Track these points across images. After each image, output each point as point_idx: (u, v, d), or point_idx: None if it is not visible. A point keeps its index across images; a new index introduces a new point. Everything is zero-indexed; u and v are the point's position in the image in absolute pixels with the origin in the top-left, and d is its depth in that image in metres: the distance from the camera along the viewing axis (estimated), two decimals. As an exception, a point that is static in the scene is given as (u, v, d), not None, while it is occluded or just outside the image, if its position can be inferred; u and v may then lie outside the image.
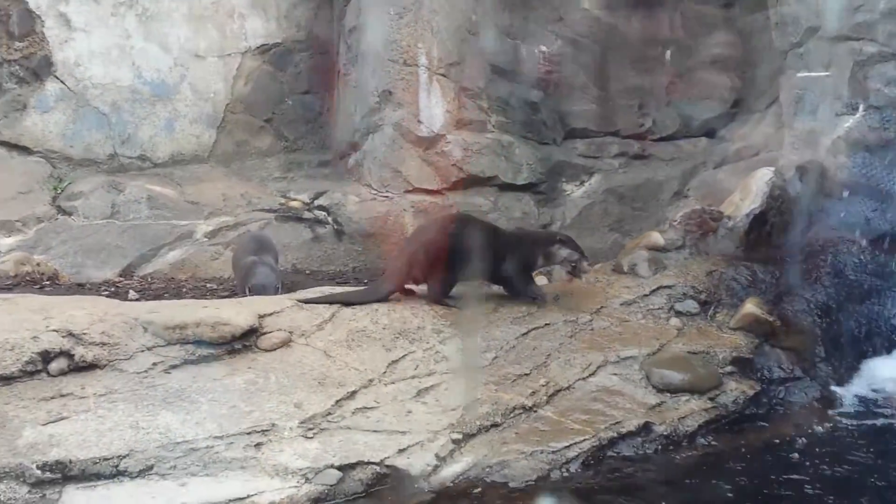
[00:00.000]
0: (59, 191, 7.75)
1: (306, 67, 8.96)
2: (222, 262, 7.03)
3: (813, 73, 6.50)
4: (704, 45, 8.51)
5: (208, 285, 6.62)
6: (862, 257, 5.50)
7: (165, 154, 8.43)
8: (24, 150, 8.01)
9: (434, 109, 7.94)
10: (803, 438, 4.30)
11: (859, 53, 6.06)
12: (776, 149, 7.17)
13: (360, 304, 4.80)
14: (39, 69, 8.12)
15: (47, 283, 6.58)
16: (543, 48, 8.23)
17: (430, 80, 7.95)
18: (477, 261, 4.95)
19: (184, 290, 6.52)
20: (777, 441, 4.27)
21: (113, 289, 6.48)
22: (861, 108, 6.04)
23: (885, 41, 5.99)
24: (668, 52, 8.48)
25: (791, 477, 3.90)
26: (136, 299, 6.07)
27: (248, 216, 7.63)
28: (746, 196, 5.76)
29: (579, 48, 8.30)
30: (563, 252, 5.17)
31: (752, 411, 4.52)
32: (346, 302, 4.82)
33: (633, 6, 8.33)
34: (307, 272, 7.23)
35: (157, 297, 6.26)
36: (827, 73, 6.42)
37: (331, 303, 4.78)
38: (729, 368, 4.72)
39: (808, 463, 4.03)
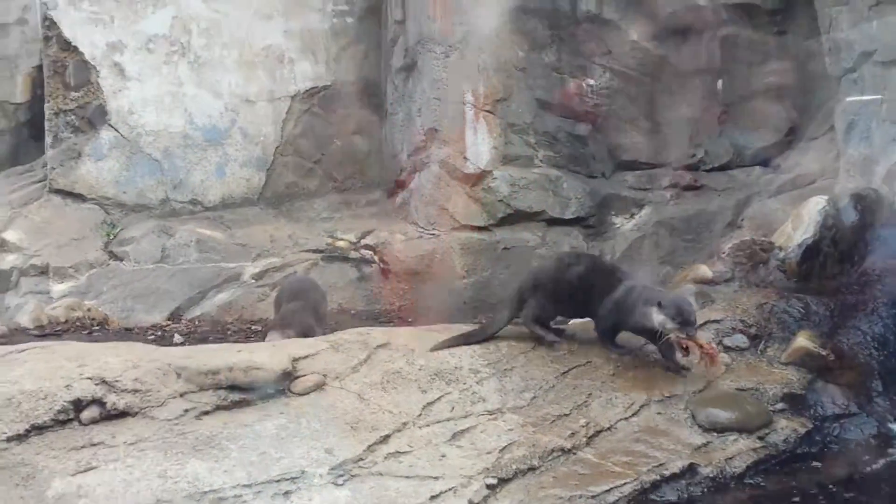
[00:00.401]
0: (111, 237, 7.88)
1: (355, 108, 9.00)
2: (268, 303, 7.03)
3: (867, 98, 6.30)
4: (757, 73, 8.34)
5: (253, 327, 6.64)
6: (921, 287, 5.24)
7: (216, 198, 8.53)
8: (79, 197, 8.17)
9: (480, 146, 7.91)
10: (859, 478, 4.08)
11: (914, 77, 5.86)
12: (832, 177, 6.96)
13: (480, 341, 4.79)
14: (94, 118, 8.30)
15: (97, 328, 6.66)
16: (591, 81, 8.16)
17: (476, 116, 7.93)
18: (577, 300, 4.80)
19: (229, 332, 6.55)
20: (830, 482, 4.06)
21: (160, 333, 6.54)
22: (918, 133, 5.83)
23: (941, 63, 5.79)
24: (720, 82, 8.34)
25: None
26: (182, 343, 6.11)
27: (294, 257, 7.65)
28: (798, 226, 5.57)
29: (628, 80, 8.21)
30: (658, 317, 4.43)
31: (804, 450, 4.31)
32: (468, 341, 4.78)
33: (682, 36, 8.21)
34: (352, 312, 7.21)
35: (203, 339, 6.29)
36: (881, 98, 6.22)
37: (457, 345, 4.74)
38: (780, 405, 4.52)
39: (863, 505, 3.83)
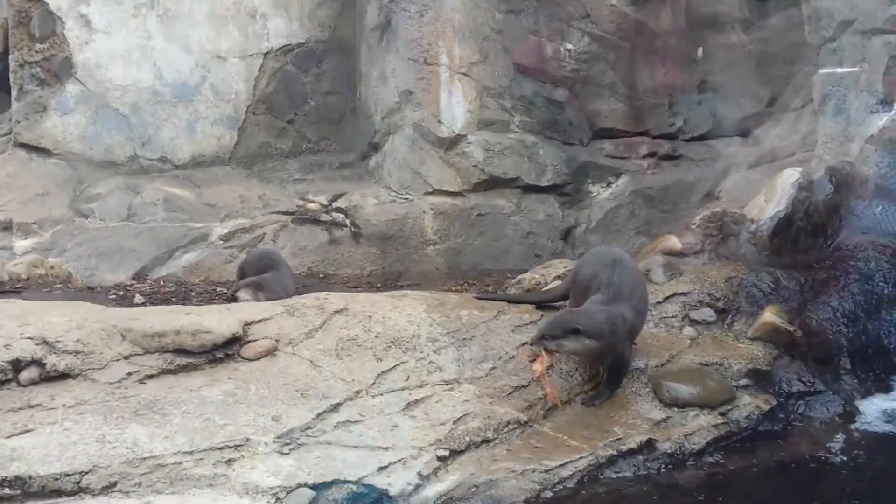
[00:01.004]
0: (77, 193, 7.70)
1: (329, 68, 8.81)
2: (236, 265, 6.89)
3: (845, 69, 6.16)
4: (738, 41, 8.19)
5: (219, 289, 6.49)
6: (894, 263, 5.13)
7: (186, 156, 8.34)
8: (45, 151, 7.97)
9: (455, 109, 7.75)
10: (821, 457, 4.01)
11: (895, 48, 5.70)
12: (812, 149, 6.84)
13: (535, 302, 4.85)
14: (60, 71, 8.08)
15: (59, 286, 6.50)
16: (569, 45, 7.99)
17: (451, 79, 7.76)
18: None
19: (193, 293, 6.40)
20: (792, 460, 3.98)
21: (122, 292, 6.38)
22: (896, 104, 5.70)
23: (923, 34, 5.64)
24: (700, 49, 8.19)
25: (803, 500, 3.62)
26: (143, 303, 5.97)
27: (264, 218, 7.50)
28: (771, 198, 5.46)
29: (607, 45, 8.04)
30: None
31: (766, 427, 4.23)
32: (520, 301, 4.88)
33: (662, 1, 8.04)
34: (321, 276, 7.08)
35: (165, 300, 6.15)
36: (860, 69, 6.08)
37: (507, 300, 4.85)
38: (744, 381, 4.43)
39: (824, 483, 3.75)
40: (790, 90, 7.86)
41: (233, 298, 5.55)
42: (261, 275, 5.86)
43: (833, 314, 4.88)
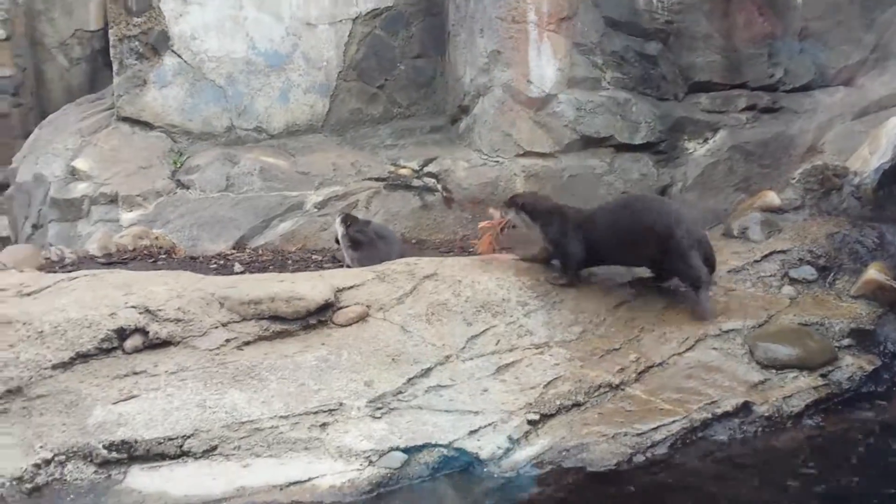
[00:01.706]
0: (178, 165, 7.91)
1: (418, 31, 8.76)
2: (331, 232, 6.99)
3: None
4: (841, -16, 7.81)
5: (314, 256, 6.61)
6: None
7: (280, 125, 8.46)
8: (146, 125, 8.19)
9: (545, 68, 7.62)
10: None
11: None
12: (923, 96, 6.51)
13: None
14: (157, 44, 8.27)
15: (163, 256, 6.73)
16: (662, -4, 7.75)
17: (540, 36, 7.63)
18: None
19: (289, 261, 6.53)
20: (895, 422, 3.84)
21: (222, 261, 6.56)
22: None
23: None
24: (800, -5, 7.83)
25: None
26: (241, 272, 6.12)
27: (357, 185, 7.56)
28: (876, 149, 5.23)
29: (702, -5, 7.77)
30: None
31: (869, 389, 4.09)
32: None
33: (759, -55, 7.72)
34: (414, 241, 7.12)
35: (263, 269, 6.29)
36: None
37: None
38: (846, 341, 4.29)
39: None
40: (895, 35, 7.46)
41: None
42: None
43: (942, 270, 4.66)
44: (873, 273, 4.53)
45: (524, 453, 3.59)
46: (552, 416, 3.78)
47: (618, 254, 4.49)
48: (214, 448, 3.47)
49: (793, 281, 4.68)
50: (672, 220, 4.39)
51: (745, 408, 3.87)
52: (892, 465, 3.46)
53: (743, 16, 7.80)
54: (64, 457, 3.37)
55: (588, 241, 4.48)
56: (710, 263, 4.44)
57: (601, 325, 4.33)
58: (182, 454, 3.45)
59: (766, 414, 3.87)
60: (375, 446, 3.51)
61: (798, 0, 7.70)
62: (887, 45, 7.48)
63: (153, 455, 3.43)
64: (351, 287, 4.37)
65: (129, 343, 3.88)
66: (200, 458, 3.44)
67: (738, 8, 7.79)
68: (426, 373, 3.93)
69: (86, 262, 6.32)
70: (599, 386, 3.94)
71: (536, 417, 3.74)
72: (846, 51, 7.66)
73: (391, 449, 3.52)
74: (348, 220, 6.02)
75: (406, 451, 3.52)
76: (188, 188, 7.69)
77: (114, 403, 3.61)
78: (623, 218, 4.50)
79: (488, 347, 4.13)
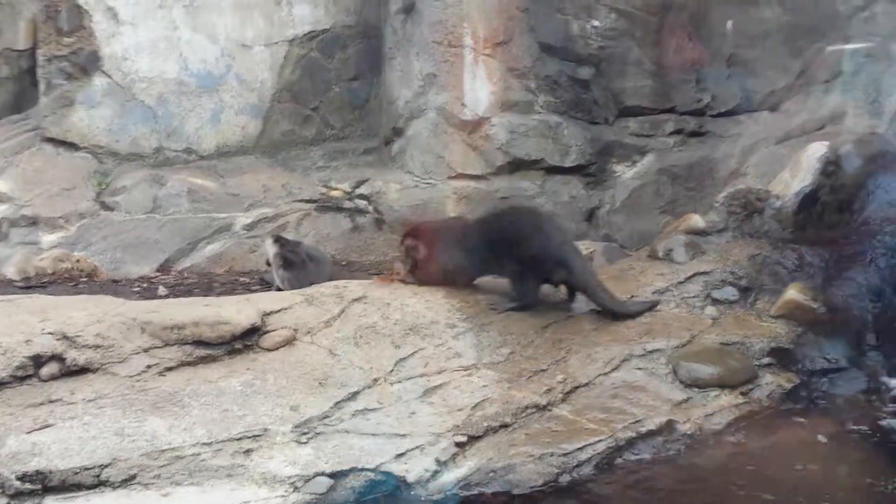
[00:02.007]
0: (103, 186, 7.77)
1: (354, 53, 8.78)
2: (260, 254, 6.92)
3: (877, 40, 6.02)
4: (767, 13, 8.03)
5: (241, 279, 6.55)
6: (923, 237, 5.02)
7: (211, 146, 8.38)
8: (71, 145, 8.04)
9: (479, 92, 7.69)
10: (844, 435, 3.93)
11: (925, 16, 5.56)
12: (843, 122, 6.72)
13: None
14: (87, 64, 8.14)
15: (85, 280, 6.59)
16: (595, 23, 7.88)
17: (475, 60, 7.70)
18: None
19: (216, 284, 6.45)
20: (814, 439, 3.91)
21: (146, 284, 6.45)
22: (928, 74, 5.55)
23: (955, 1, 5.49)
24: (729, 23, 8.03)
25: (827, 478, 3.56)
26: (166, 295, 6.03)
27: (288, 207, 7.52)
28: (797, 173, 5.36)
29: (634, 21, 7.92)
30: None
31: (788, 406, 4.16)
32: None
33: (691, -27, 7.91)
34: (344, 263, 7.09)
35: (188, 292, 6.21)
36: (892, 39, 5.94)
37: None
38: (766, 360, 4.38)
39: (847, 462, 3.69)
40: (820, 63, 7.70)
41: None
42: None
43: (858, 290, 4.78)
44: (793, 293, 4.64)
45: (452, 475, 3.57)
46: (480, 437, 3.77)
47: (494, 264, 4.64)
48: (133, 477, 3.38)
49: (715, 301, 4.76)
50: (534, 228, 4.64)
51: (669, 426, 3.92)
52: (811, 481, 3.53)
53: (673, 42, 7.97)
54: (-26, 488, 3.26)
55: (469, 252, 4.66)
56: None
57: (529, 347, 4.35)
58: (99, 484, 3.35)
59: (689, 432, 3.92)
60: (301, 472, 3.47)
61: (727, 27, 7.90)
62: (812, 72, 7.71)
63: (69, 485, 3.33)
64: (278, 311, 4.32)
65: (45, 370, 3.78)
66: (119, 487, 3.35)
67: (668, 35, 7.97)
68: (353, 396, 3.89)
69: (2, 286, 6.17)
70: (527, 407, 3.95)
71: (464, 439, 3.73)
72: (772, 77, 7.88)
73: (317, 474, 3.47)
74: (280, 241, 5.98)
75: (332, 475, 3.48)
76: (113, 210, 7.58)
77: (28, 433, 3.50)
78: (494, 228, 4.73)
79: (416, 370, 4.12)
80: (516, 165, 7.72)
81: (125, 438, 3.51)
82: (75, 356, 3.83)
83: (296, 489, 3.41)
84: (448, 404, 3.94)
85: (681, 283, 4.85)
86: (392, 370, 4.10)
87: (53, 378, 3.77)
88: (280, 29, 8.59)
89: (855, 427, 4.01)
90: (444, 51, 7.69)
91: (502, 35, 7.71)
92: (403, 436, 3.72)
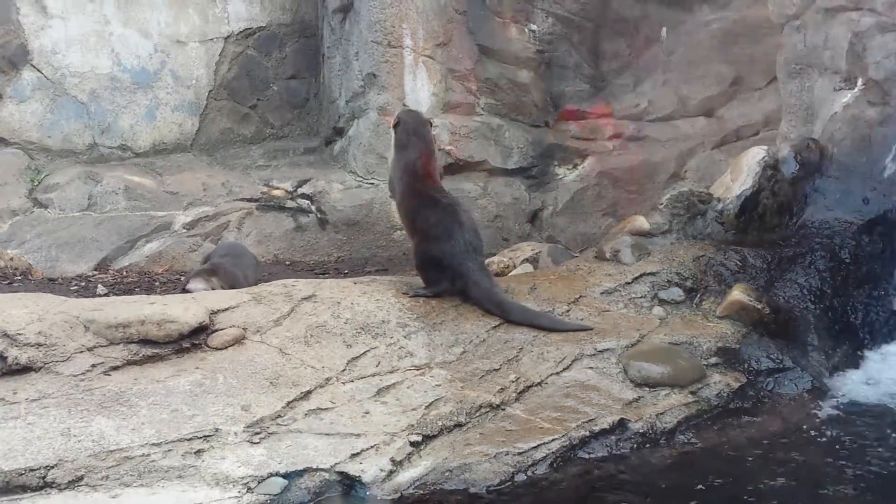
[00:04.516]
0: (35, 183, 7.55)
1: (292, 52, 8.72)
2: (200, 253, 6.80)
3: (809, 46, 6.17)
4: (701, 21, 8.21)
5: (182, 278, 6.38)
6: (859, 240, 5.16)
7: (147, 143, 8.21)
8: (1, 141, 7.80)
9: (420, 93, 7.69)
10: (791, 433, 4.01)
11: (857, 24, 5.72)
12: (776, 127, 6.87)
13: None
14: (15, 58, 7.91)
15: (19, 278, 6.38)
16: (534, 27, 7.96)
17: (415, 62, 7.70)
18: None
19: (157, 283, 6.31)
20: (762, 436, 3.98)
21: (84, 283, 6.28)
22: (860, 82, 5.71)
23: (885, 11, 5.65)
24: (664, 30, 8.19)
25: (775, 475, 3.63)
26: (105, 294, 5.87)
27: (228, 206, 7.40)
28: (737, 177, 5.47)
29: (571, 26, 8.04)
30: None
31: (736, 405, 4.23)
32: None
33: (627, -19, 8.05)
34: (288, 263, 7.00)
35: (128, 291, 6.06)
36: (823, 45, 6.10)
37: None
38: (713, 360, 4.44)
39: (794, 460, 3.76)
40: (753, 70, 7.89)
41: (185, 291, 5.36)
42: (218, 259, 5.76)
43: (800, 291, 4.90)
44: (737, 294, 4.72)
45: (407, 475, 3.54)
46: (434, 437, 3.74)
47: None
48: (80, 479, 3.27)
49: (662, 302, 4.82)
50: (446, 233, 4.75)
51: (621, 425, 3.94)
52: (761, 478, 3.59)
53: (610, 48, 8.09)
54: (-88, 492, 3.11)
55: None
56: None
57: (481, 346, 4.34)
58: (45, 485, 3.23)
59: (641, 431, 3.95)
60: (254, 472, 3.39)
61: (662, 34, 8.05)
62: (745, 79, 7.90)
63: (13, 487, 3.20)
64: (226, 309, 4.23)
65: (-14, 369, 3.63)
66: (65, 489, 3.24)
67: (605, 40, 8.09)
68: (306, 396, 3.83)
69: (-68, 284, 5.93)
70: (480, 406, 3.94)
71: (419, 439, 3.70)
72: (707, 83, 8.05)
73: (270, 475, 3.40)
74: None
75: (286, 476, 3.42)
76: (46, 207, 7.37)
77: (-32, 433, 3.36)
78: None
79: (369, 369, 4.08)
80: (459, 167, 7.74)
81: (71, 439, 3.39)
82: (16, 354, 3.69)
83: (249, 490, 3.34)
84: (402, 404, 3.90)
85: (628, 283, 4.90)
86: (344, 369, 4.05)
87: (-6, 377, 3.63)
88: (215, 25, 8.47)
89: (800, 426, 4.09)
90: (383, 51, 7.67)
91: (442, 36, 7.73)
92: (358, 435, 3.67)
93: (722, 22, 8.09)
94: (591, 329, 4.51)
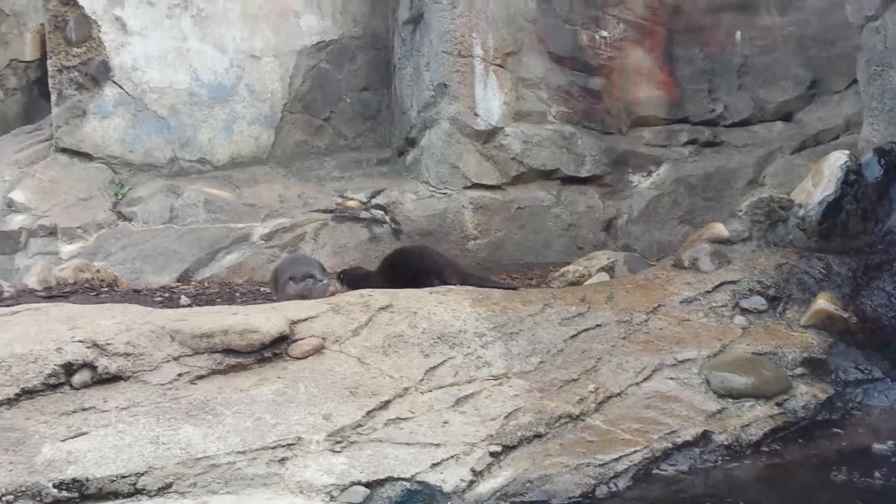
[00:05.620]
0: (119, 196, 7.75)
1: (363, 64, 8.77)
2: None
3: (890, 48, 6.00)
4: (778, 23, 8.06)
5: (262, 289, 6.51)
6: (948, 245, 5.00)
7: (225, 156, 8.35)
8: (85, 156, 8.01)
9: (491, 102, 7.69)
10: (882, 446, 3.90)
11: (942, 23, 5.55)
12: (857, 131, 6.72)
13: None
14: (98, 75, 8.11)
15: (105, 289, 6.54)
16: (605, 33, 7.90)
17: (486, 71, 7.70)
18: None
19: (237, 294, 6.43)
20: (852, 450, 3.89)
21: (167, 294, 6.42)
22: (945, 82, 5.53)
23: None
24: (738, 33, 8.06)
25: (865, 490, 3.53)
26: (189, 304, 6.00)
27: (304, 217, 7.50)
28: (819, 182, 5.34)
29: (643, 32, 7.94)
30: None
31: (824, 417, 4.14)
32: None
33: (699, -16, 7.94)
34: (363, 273, 7.05)
35: (210, 301, 6.18)
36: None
37: None
38: (799, 370, 4.34)
39: (886, 474, 3.65)
40: (832, 72, 7.72)
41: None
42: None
43: (888, 299, 4.75)
44: (823, 303, 4.61)
45: (488, 486, 3.54)
46: (514, 447, 3.74)
47: None
48: (169, 485, 3.35)
49: (744, 311, 4.74)
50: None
51: (705, 437, 3.89)
52: (850, 493, 3.50)
53: (684, 53, 7.99)
54: (12, 496, 3.22)
55: None
56: None
57: (558, 356, 4.32)
58: (136, 492, 3.32)
59: (726, 443, 3.89)
60: (336, 481, 3.44)
61: (736, 38, 7.92)
62: (823, 82, 7.73)
63: (105, 493, 3.30)
64: (305, 319, 4.29)
65: (78, 378, 3.75)
66: (155, 496, 3.32)
67: (678, 45, 7.99)
68: (385, 405, 3.86)
69: (25, 295, 6.12)
70: (560, 417, 3.92)
71: (498, 449, 3.70)
72: (784, 86, 7.90)
73: (352, 483, 3.44)
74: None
75: (368, 485, 3.45)
76: (130, 220, 7.54)
77: (63, 440, 3.47)
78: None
79: (447, 379, 4.09)
80: (532, 175, 7.71)
81: (160, 446, 3.47)
82: (106, 364, 3.80)
83: (332, 498, 3.38)
84: (481, 414, 3.90)
85: (708, 292, 4.82)
86: (422, 379, 4.07)
87: (86, 386, 3.74)
88: (289, 39, 8.57)
89: (891, 438, 3.97)
90: (454, 61, 7.68)
91: (512, 45, 7.72)
92: (437, 445, 3.68)
93: (798, 25, 7.93)
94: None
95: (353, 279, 5.79)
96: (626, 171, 7.86)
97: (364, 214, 7.57)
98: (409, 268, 5.67)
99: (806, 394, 4.20)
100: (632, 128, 7.99)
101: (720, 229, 5.24)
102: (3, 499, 3.20)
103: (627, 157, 7.87)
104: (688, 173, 7.81)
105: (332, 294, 5.31)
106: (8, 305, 5.00)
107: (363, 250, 7.38)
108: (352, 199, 7.69)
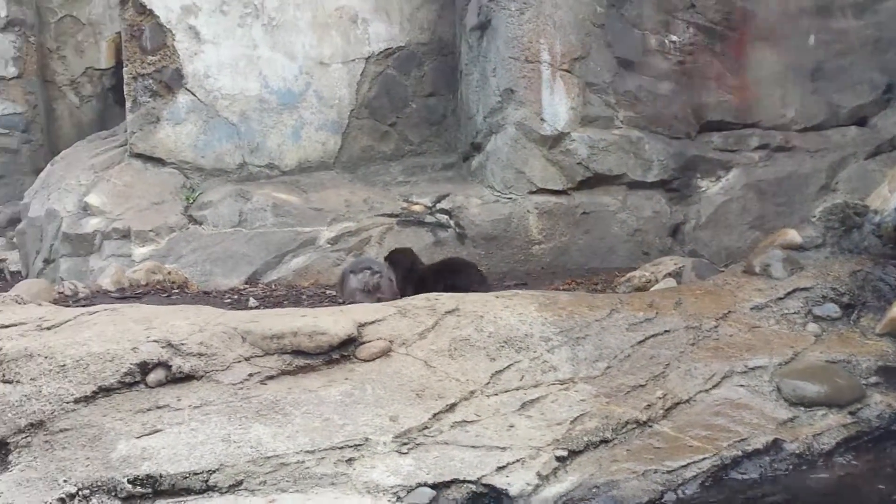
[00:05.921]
0: (190, 201, 7.92)
1: (430, 70, 8.83)
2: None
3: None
4: (853, 27, 7.89)
5: (328, 292, 6.59)
6: None
7: (293, 162, 8.48)
8: (158, 161, 8.22)
9: (558, 107, 7.67)
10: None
11: None
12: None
13: None
14: (171, 82, 8.32)
15: (176, 291, 6.70)
16: (674, 37, 7.83)
17: (553, 76, 7.69)
18: None
19: (303, 296, 6.51)
20: (929, 462, 3.78)
21: (236, 296, 6.54)
22: None
23: None
24: (812, 36, 7.91)
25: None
26: (257, 306, 6.10)
27: (370, 221, 7.57)
28: (895, 188, 5.21)
29: (713, 35, 7.85)
30: None
31: (899, 427, 4.03)
32: None
33: (771, -14, 7.81)
34: (428, 277, 7.09)
35: (278, 304, 6.27)
36: None
37: None
38: (873, 379, 4.24)
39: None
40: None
41: None
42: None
43: (967, 309, 4.62)
44: (899, 310, 4.50)
45: (553, 490, 3.52)
46: (580, 452, 3.72)
47: None
48: (240, 483, 3.41)
49: (817, 318, 4.64)
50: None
51: (776, 445, 3.82)
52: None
53: (755, 57, 7.87)
54: (88, 491, 3.32)
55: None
56: None
57: (625, 361, 4.29)
58: (207, 489, 3.39)
59: (797, 452, 3.81)
60: (403, 482, 3.46)
61: (810, 41, 7.78)
62: (900, 86, 7.55)
63: (178, 490, 3.37)
64: (373, 322, 4.33)
65: (152, 377, 3.84)
66: (226, 492, 3.39)
67: (749, 49, 7.87)
68: (451, 408, 3.88)
69: (99, 296, 6.30)
70: (626, 422, 3.89)
71: (564, 454, 3.68)
72: (858, 91, 7.73)
73: (419, 485, 3.46)
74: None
75: (434, 486, 3.46)
76: (201, 224, 7.71)
77: (137, 437, 3.56)
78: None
79: (513, 383, 4.09)
80: (597, 180, 7.67)
81: (231, 444, 3.54)
82: (180, 363, 3.88)
83: (399, 499, 3.40)
84: (546, 418, 3.89)
85: (780, 298, 4.74)
86: (488, 382, 4.08)
87: (160, 385, 3.83)
88: (356, 47, 8.68)
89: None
90: (521, 66, 7.69)
91: (580, 50, 7.69)
92: (503, 448, 3.68)
93: (874, 28, 7.75)
94: None
95: (396, 262, 6.08)
96: (695, 177, 7.77)
97: (429, 219, 7.62)
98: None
99: (880, 403, 4.10)
100: (700, 132, 7.89)
101: (793, 235, 5.14)
102: (80, 493, 3.29)
103: (696, 161, 7.78)
104: (758, 178, 7.69)
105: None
106: (83, 306, 5.15)
107: (427, 254, 7.39)
108: (417, 203, 7.74)
